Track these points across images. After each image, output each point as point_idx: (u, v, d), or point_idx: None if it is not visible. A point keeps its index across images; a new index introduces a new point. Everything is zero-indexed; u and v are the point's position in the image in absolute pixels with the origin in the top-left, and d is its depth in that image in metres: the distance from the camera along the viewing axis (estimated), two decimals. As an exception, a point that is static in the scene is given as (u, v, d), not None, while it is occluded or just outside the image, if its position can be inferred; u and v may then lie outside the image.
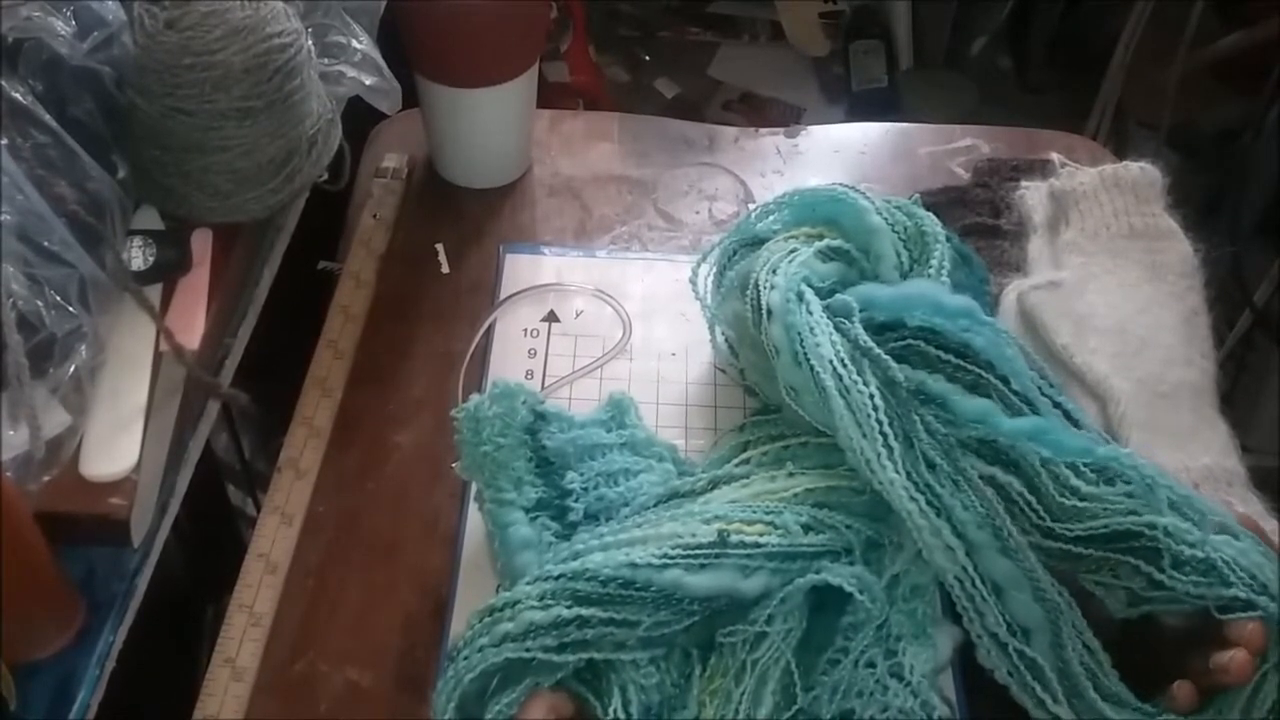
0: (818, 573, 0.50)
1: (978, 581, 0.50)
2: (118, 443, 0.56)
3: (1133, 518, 0.50)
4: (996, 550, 0.50)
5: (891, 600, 0.52)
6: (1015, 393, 0.53)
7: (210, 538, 0.82)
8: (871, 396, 0.51)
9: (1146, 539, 0.49)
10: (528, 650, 0.46)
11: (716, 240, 0.66)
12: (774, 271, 0.58)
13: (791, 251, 0.60)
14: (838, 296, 0.57)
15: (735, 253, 0.65)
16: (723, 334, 0.67)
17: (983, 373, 0.54)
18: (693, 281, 0.67)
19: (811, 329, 0.54)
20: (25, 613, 0.49)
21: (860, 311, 0.55)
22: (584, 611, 0.47)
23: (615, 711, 0.47)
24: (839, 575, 0.50)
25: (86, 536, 0.54)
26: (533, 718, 0.45)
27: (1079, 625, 0.50)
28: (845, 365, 0.52)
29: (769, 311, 0.56)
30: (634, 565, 0.48)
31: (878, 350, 0.53)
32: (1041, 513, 0.51)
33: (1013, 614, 0.50)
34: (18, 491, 0.48)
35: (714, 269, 0.66)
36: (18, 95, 0.55)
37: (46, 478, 0.54)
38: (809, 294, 0.57)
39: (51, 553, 0.50)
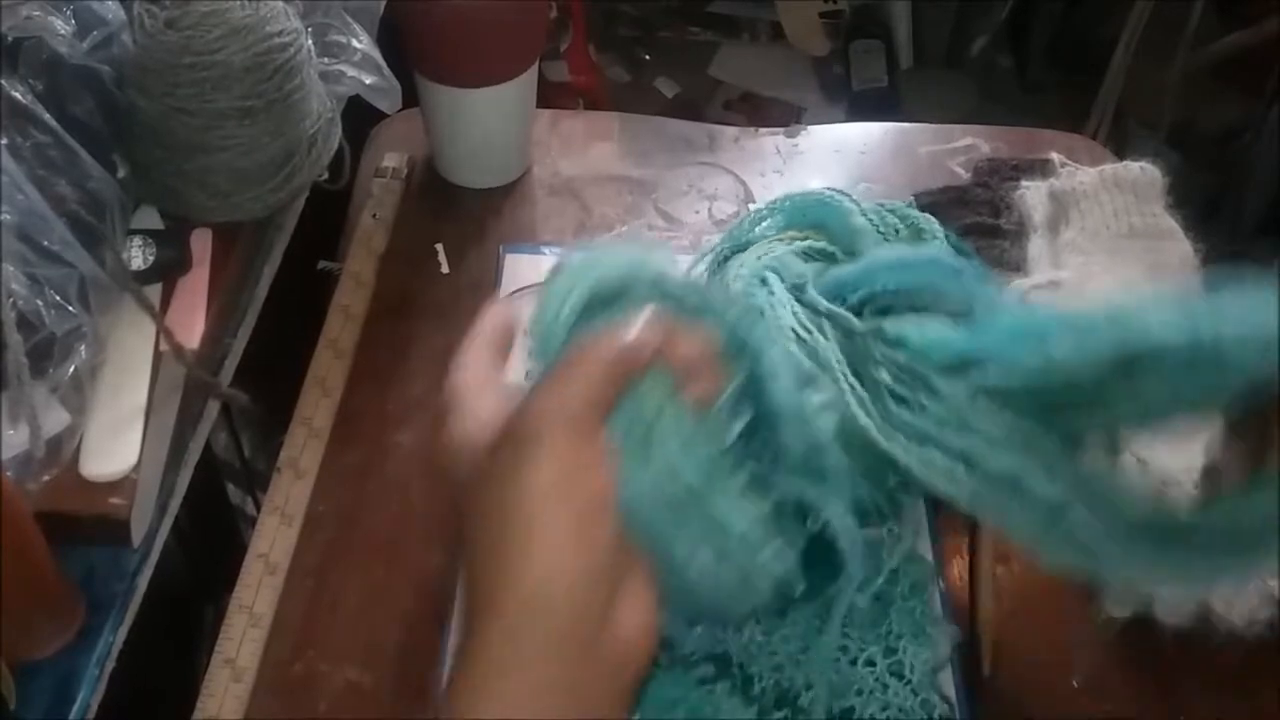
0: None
1: (988, 491, 0.46)
2: (118, 442, 0.56)
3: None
4: (996, 450, 0.46)
5: (891, 599, 0.52)
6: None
7: (210, 537, 0.82)
8: (833, 351, 0.51)
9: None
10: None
11: (709, 246, 0.66)
12: (742, 266, 0.58)
13: (769, 250, 0.60)
14: (794, 273, 0.57)
15: (727, 259, 0.65)
16: None
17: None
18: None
19: (773, 306, 0.55)
20: (25, 612, 0.49)
21: (836, 299, 0.55)
22: None
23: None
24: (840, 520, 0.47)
25: (86, 536, 0.54)
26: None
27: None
28: (808, 331, 0.52)
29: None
30: None
31: (835, 309, 0.53)
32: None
33: (1035, 500, 0.45)
34: (18, 491, 0.48)
35: (706, 276, 0.66)
36: (18, 95, 0.55)
37: (46, 477, 0.54)
38: (772, 278, 0.57)
39: (51, 552, 0.50)
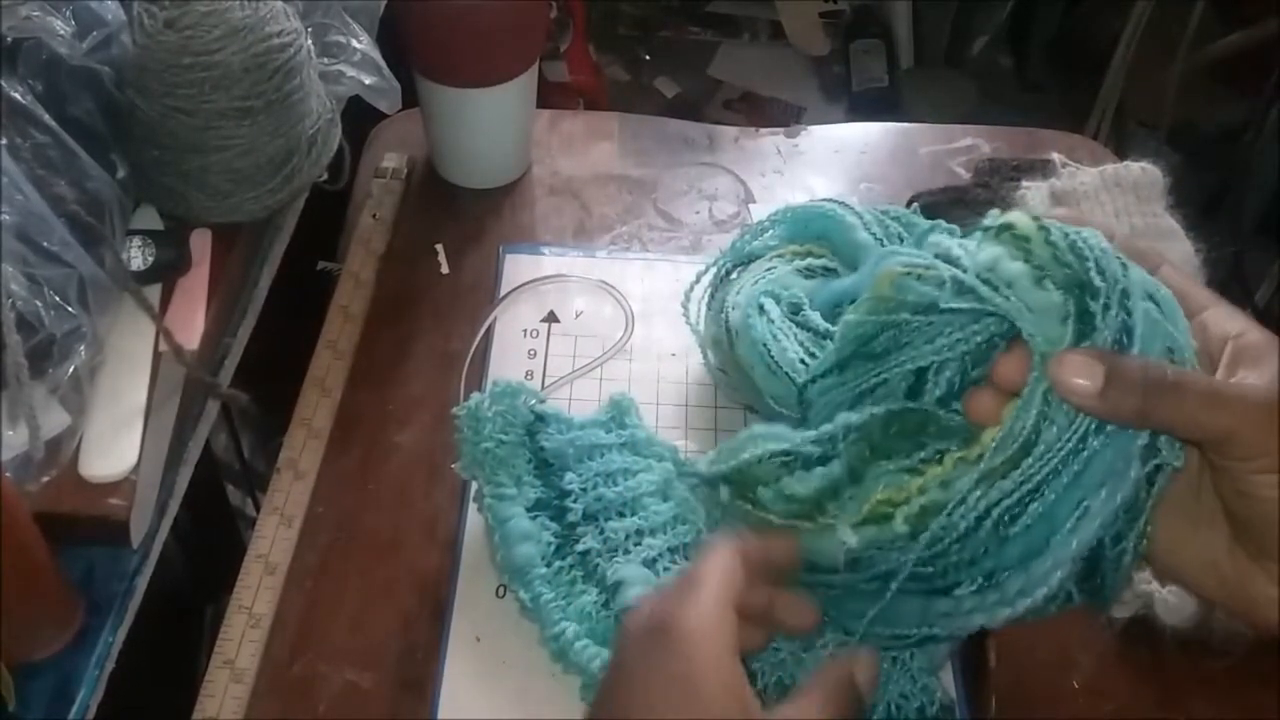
0: None
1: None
2: (117, 443, 0.56)
3: None
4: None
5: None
6: None
7: (210, 538, 0.82)
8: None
9: None
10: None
11: (710, 261, 0.66)
12: (739, 292, 0.59)
13: (769, 270, 0.60)
14: (789, 294, 0.57)
15: (729, 273, 0.65)
16: (712, 356, 0.66)
17: None
18: (685, 306, 0.67)
19: (775, 336, 0.55)
20: (25, 613, 0.49)
21: (836, 311, 0.55)
22: None
23: None
24: None
25: (86, 537, 0.54)
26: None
27: None
28: (813, 356, 0.52)
29: (735, 332, 0.57)
30: None
31: (834, 328, 0.53)
32: None
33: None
34: (17, 492, 0.48)
35: (709, 291, 0.66)
36: (17, 95, 0.55)
37: (46, 478, 0.54)
38: (769, 303, 0.57)
39: (51, 553, 0.50)
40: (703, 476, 0.52)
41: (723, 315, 0.61)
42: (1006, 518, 0.41)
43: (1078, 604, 0.43)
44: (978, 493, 0.41)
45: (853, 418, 0.45)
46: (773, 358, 0.55)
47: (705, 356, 0.67)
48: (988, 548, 0.42)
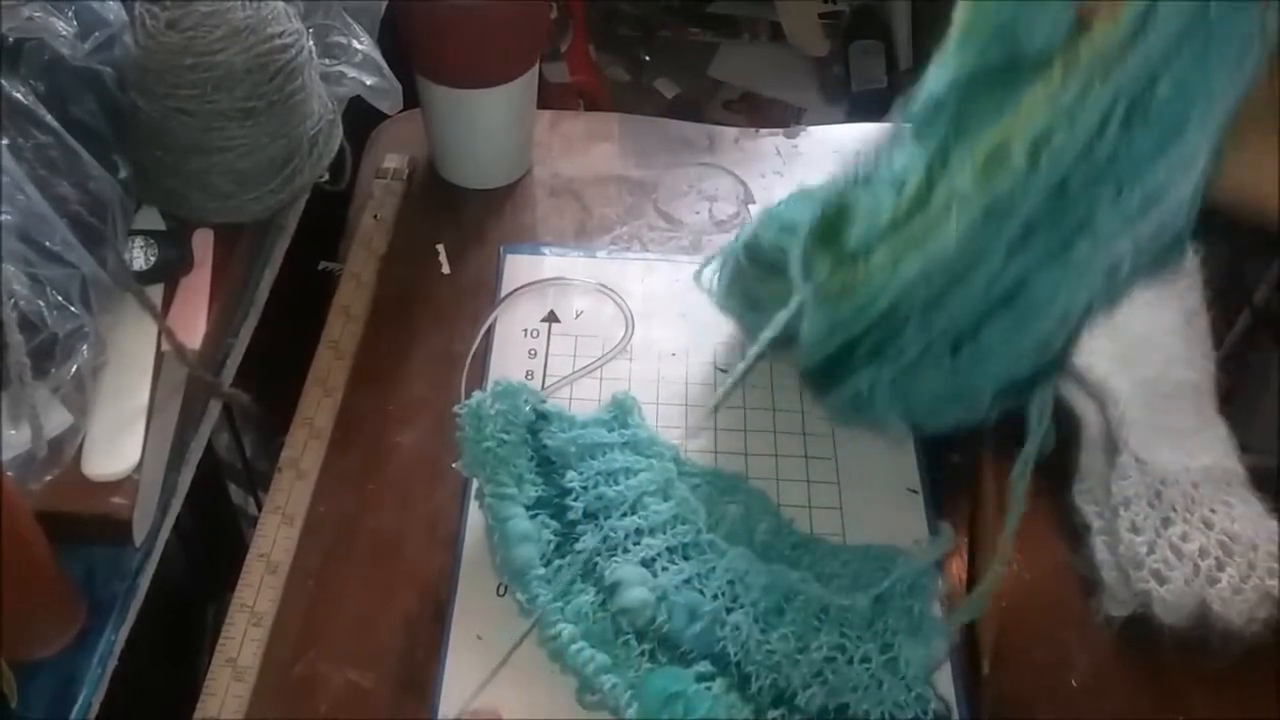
0: None
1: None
2: (119, 442, 0.56)
3: None
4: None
5: (889, 598, 0.53)
6: None
7: (212, 537, 0.82)
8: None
9: None
10: None
11: (722, 246, 0.67)
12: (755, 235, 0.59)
13: None
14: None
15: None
16: (736, 305, 0.66)
17: None
18: (697, 278, 0.68)
19: None
20: (26, 612, 0.49)
21: None
22: None
23: None
24: None
25: (88, 536, 0.54)
26: None
27: None
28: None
29: (780, 251, 0.55)
30: None
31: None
32: None
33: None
34: (19, 491, 0.48)
35: (718, 272, 0.67)
36: (19, 95, 0.55)
37: (48, 477, 0.54)
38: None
39: (53, 552, 0.50)
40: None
41: (740, 254, 0.61)
42: (1136, 108, 0.39)
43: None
44: (1098, 87, 0.38)
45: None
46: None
47: (727, 309, 0.67)
48: (1124, 144, 0.39)
